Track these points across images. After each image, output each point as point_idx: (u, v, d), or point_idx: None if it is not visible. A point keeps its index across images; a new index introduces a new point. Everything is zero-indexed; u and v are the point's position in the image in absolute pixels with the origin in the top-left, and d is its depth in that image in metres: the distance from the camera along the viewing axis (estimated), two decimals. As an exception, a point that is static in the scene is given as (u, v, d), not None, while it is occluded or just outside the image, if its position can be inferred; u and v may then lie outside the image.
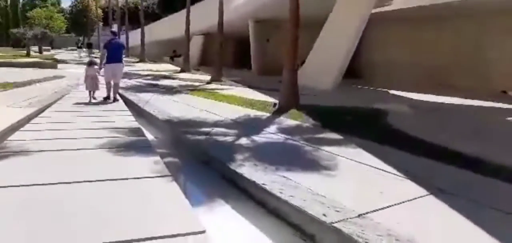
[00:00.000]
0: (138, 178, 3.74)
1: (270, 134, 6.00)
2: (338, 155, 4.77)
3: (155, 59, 32.14)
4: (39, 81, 13.14)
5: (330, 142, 5.52)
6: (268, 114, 7.72)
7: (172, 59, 32.32)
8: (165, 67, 24.86)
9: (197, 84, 14.89)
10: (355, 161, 4.56)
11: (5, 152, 4.47)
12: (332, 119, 7.19)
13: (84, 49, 46.67)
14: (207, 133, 5.99)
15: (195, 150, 5.52)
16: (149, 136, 6.49)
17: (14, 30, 35.58)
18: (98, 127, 6.06)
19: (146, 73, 19.20)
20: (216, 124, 6.73)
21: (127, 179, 3.69)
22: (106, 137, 5.41)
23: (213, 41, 26.13)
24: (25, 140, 5.06)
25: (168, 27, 34.14)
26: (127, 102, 9.70)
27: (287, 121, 6.99)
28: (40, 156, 4.40)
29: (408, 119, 7.76)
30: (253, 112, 7.96)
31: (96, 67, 9.63)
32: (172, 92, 11.80)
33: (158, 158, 4.49)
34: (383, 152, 4.91)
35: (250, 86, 14.07)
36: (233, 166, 4.40)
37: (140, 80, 15.59)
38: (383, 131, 6.39)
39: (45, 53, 36.94)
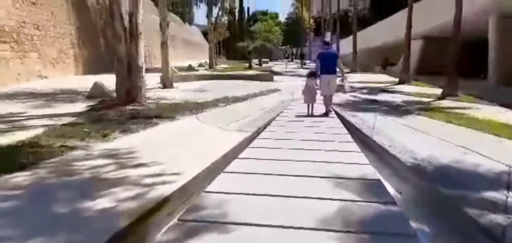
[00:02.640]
0: None
1: None
2: None
3: (365, 69, 29.85)
4: (255, 95, 12.57)
5: None
6: None
7: (384, 68, 29.42)
8: (379, 78, 22.24)
9: (425, 99, 11.91)
10: None
11: (186, 220, 2.99)
12: None
13: (290, 60, 48.14)
14: (502, 208, 3.36)
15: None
16: (390, 188, 4.27)
17: (239, 44, 38.90)
18: (319, 174, 4.17)
19: (360, 85, 17.09)
20: (507, 181, 3.99)
21: None
22: (332, 198, 3.44)
23: (435, 46, 22.22)
24: (221, 192, 3.56)
25: (379, 33, 31.43)
26: (347, 125, 7.75)
27: None
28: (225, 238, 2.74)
29: None
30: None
31: (314, 79, 9.08)
32: (399, 112, 9.30)
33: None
34: None
35: (501, 104, 10.37)
36: None
37: (355, 94, 13.58)
38: None
39: (264, 65, 39.25)
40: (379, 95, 13.28)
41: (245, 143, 5.94)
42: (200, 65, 30.85)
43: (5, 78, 14.03)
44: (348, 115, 8.79)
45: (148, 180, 4.01)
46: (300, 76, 27.01)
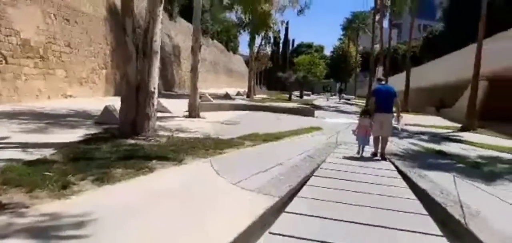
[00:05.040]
0: None
1: None
2: None
3: (416, 109, 26.94)
4: (292, 133, 10.39)
5: None
6: None
7: (438, 110, 26.38)
8: (434, 121, 19.42)
9: (507, 155, 9.27)
10: None
11: None
12: None
13: (333, 94, 46.29)
14: None
15: None
16: None
17: (280, 74, 37.11)
18: None
19: (416, 128, 14.49)
20: None
21: None
22: None
23: (503, 89, 19.12)
24: None
25: (433, 72, 28.51)
26: (417, 191, 5.39)
27: None
28: None
29: None
30: None
31: (369, 117, 7.96)
32: (482, 174, 6.79)
33: None
34: None
35: None
36: None
37: (412, 141, 11.05)
38: None
39: (305, 97, 37.12)
40: (444, 145, 10.69)
41: (266, 219, 3.77)
42: (238, 93, 29.19)
43: (21, 95, 12.78)
44: (414, 174, 6.41)
45: None
46: (343, 112, 24.62)
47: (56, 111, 11.24)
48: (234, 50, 60.01)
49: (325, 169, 6.31)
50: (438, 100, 26.92)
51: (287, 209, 4.02)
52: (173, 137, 8.07)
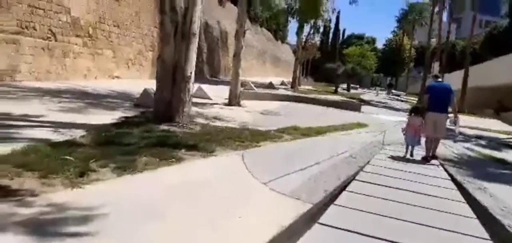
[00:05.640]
0: None
1: None
2: None
3: (473, 110, 25.03)
4: (335, 129, 9.75)
5: None
6: None
7: (497, 113, 24.34)
8: (493, 124, 17.82)
9: None
10: None
11: None
12: None
13: (382, 89, 44.31)
14: None
15: None
16: None
17: (327, 65, 36.00)
18: None
19: (472, 132, 13.26)
20: None
21: None
22: None
23: None
24: None
25: (497, 71, 26.21)
26: (475, 206, 4.66)
27: None
28: None
29: None
30: None
31: (420, 116, 7.35)
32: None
33: None
34: None
35: None
36: None
37: (468, 145, 10.02)
38: None
39: (352, 91, 35.78)
40: (504, 152, 9.60)
41: (295, 230, 3.28)
42: (282, 83, 28.58)
43: (69, 73, 13.05)
44: (471, 186, 5.62)
45: None
46: (393, 109, 23.37)
47: (99, 91, 11.35)
48: (283, 39, 59.12)
49: (369, 172, 5.69)
50: (498, 102, 24.85)
51: (320, 220, 3.50)
52: (208, 125, 7.77)
